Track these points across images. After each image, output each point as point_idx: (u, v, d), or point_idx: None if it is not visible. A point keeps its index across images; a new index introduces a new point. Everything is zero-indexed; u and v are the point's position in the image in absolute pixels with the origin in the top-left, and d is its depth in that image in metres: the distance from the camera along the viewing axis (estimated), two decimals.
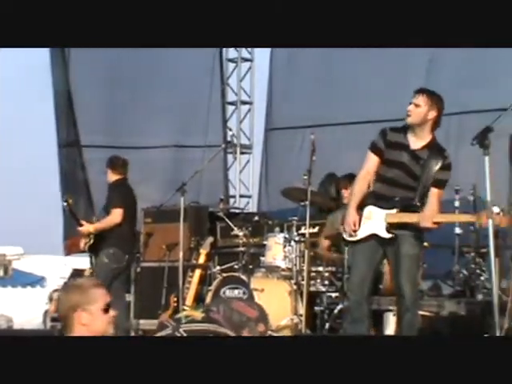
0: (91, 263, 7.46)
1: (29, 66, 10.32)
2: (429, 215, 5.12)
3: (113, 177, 7.49)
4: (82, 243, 7.40)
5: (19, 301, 12.53)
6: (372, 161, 5.36)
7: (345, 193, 7.16)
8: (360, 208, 5.34)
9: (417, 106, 5.20)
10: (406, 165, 5.24)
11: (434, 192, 5.21)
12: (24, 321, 11.04)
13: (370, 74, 9.93)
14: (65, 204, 7.47)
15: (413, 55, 9.26)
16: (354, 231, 5.28)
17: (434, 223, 5.12)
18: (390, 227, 5.21)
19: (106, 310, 3.36)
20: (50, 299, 10.08)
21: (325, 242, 7.17)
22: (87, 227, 7.36)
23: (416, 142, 5.26)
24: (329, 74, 10.35)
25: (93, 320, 3.31)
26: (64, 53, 10.53)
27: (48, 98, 10.71)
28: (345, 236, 5.41)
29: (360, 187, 5.39)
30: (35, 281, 15.05)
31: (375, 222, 5.26)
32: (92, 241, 7.29)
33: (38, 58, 10.26)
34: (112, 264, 7.19)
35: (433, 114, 5.21)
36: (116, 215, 7.22)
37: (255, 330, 3.82)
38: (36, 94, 10.39)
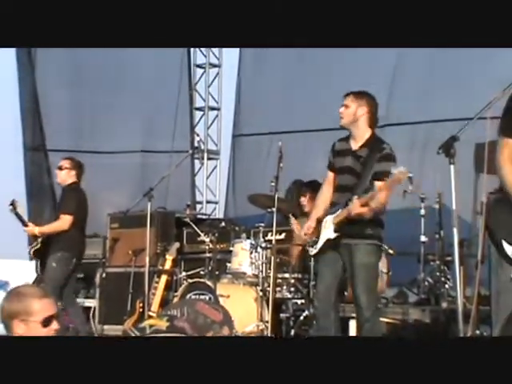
0: (36, 269, 7.31)
1: None
2: (355, 202, 5.11)
3: (68, 179, 7.26)
4: (28, 248, 7.24)
5: None
6: (329, 176, 5.55)
7: (303, 201, 7.24)
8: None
9: (346, 106, 5.33)
10: (351, 167, 5.33)
11: (376, 185, 5.19)
12: None
13: (336, 82, 9.98)
14: (10, 207, 7.25)
15: (378, 62, 9.35)
16: (305, 234, 5.48)
17: (363, 206, 5.09)
18: (337, 227, 5.26)
19: (45, 323, 3.20)
20: None
21: (295, 249, 7.18)
22: (32, 228, 7.14)
23: (356, 143, 5.36)
24: (296, 81, 10.39)
25: (29, 332, 3.17)
26: (30, 54, 10.47)
27: (14, 100, 10.63)
28: (308, 250, 5.54)
29: (321, 200, 5.57)
30: None
31: (327, 228, 5.36)
32: (39, 245, 7.12)
33: (4, 59, 10.15)
34: (62, 267, 7.03)
35: (363, 110, 5.29)
36: (65, 222, 7.04)
37: (220, 334, 3.80)
38: (1, 95, 10.29)
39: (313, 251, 5.47)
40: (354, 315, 6.54)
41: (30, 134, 10.59)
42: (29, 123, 10.57)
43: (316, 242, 5.42)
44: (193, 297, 6.92)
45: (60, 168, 7.27)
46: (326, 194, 5.54)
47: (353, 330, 6.61)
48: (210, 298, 6.84)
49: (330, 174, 5.53)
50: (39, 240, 7.12)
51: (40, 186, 10.58)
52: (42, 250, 7.13)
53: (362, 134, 5.33)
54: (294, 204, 7.73)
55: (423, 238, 7.33)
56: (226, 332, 3.51)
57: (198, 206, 11.12)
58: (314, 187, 7.16)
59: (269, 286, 6.59)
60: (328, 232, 5.34)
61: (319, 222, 5.43)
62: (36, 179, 10.62)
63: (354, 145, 5.36)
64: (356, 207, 5.10)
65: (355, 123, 5.31)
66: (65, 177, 7.24)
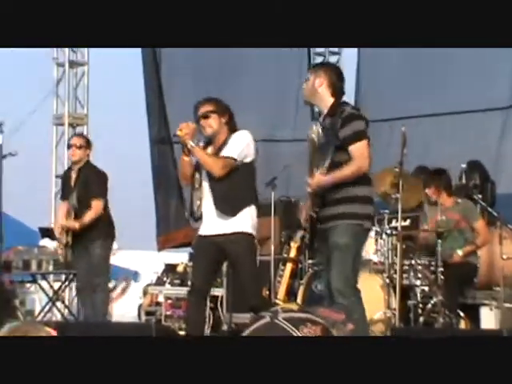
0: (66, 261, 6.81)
1: (121, 63, 10.55)
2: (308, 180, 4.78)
3: (84, 158, 6.82)
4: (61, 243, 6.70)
5: (114, 295, 12.82)
6: None
7: (430, 192, 7.08)
8: None
9: (306, 80, 5.00)
10: (320, 143, 4.87)
11: (349, 150, 4.76)
12: (120, 314, 11.30)
13: (457, 64, 9.83)
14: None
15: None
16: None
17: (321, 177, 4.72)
18: (314, 210, 4.86)
19: None
20: (144, 293, 10.25)
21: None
22: (73, 224, 6.62)
23: (322, 116, 4.94)
24: (416, 65, 10.27)
25: None
26: (155, 50, 10.70)
27: (140, 94, 10.93)
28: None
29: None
30: (130, 275, 15.32)
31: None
32: (70, 238, 6.65)
33: (130, 55, 10.48)
34: (107, 253, 6.78)
35: (320, 81, 4.90)
36: (99, 207, 6.68)
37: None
38: (128, 90, 10.62)
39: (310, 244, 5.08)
40: (485, 302, 6.45)
41: (156, 127, 10.83)
42: (154, 117, 10.82)
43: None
44: (319, 285, 6.95)
45: (78, 146, 6.78)
46: None
47: (484, 318, 6.49)
48: None
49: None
50: (70, 233, 6.68)
51: (167, 178, 10.82)
52: (72, 243, 6.73)
53: (325, 105, 4.91)
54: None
55: None
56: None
57: None
58: (438, 177, 7.06)
59: (395, 273, 6.55)
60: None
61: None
62: (162, 172, 10.86)
63: (321, 119, 4.94)
64: (313, 181, 4.74)
65: (315, 95, 4.93)
66: (82, 155, 6.81)
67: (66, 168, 10.08)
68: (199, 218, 5.25)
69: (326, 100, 4.93)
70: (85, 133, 10.43)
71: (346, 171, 4.76)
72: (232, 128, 5.29)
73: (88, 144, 6.92)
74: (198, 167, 5.26)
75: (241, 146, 5.18)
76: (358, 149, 4.77)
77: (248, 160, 5.21)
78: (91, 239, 6.69)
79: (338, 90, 4.97)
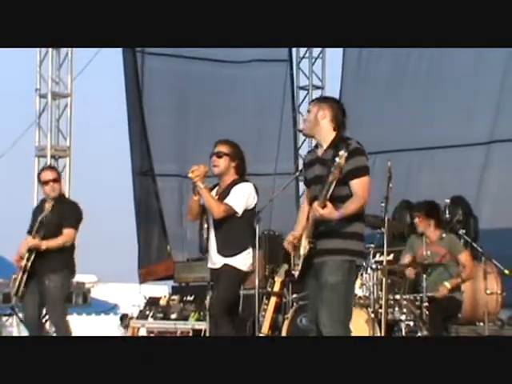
0: (18, 289, 6.43)
1: (104, 94, 10.56)
2: (314, 206, 4.63)
3: (58, 190, 6.68)
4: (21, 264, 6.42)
5: (94, 328, 12.71)
6: (306, 192, 5.06)
7: (417, 221, 7.10)
8: None
9: (308, 112, 4.95)
10: (318, 175, 4.81)
11: (351, 184, 4.69)
12: None
13: (438, 101, 9.95)
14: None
15: (483, 78, 9.29)
16: (283, 248, 5.05)
17: (323, 208, 4.57)
18: (309, 241, 4.74)
19: None
20: (126, 326, 10.16)
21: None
22: (39, 243, 6.37)
23: (322, 149, 4.87)
24: (397, 100, 10.38)
25: None
26: (138, 81, 10.73)
27: (123, 127, 10.94)
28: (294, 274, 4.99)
29: (299, 218, 4.99)
30: (109, 308, 15.22)
31: (302, 246, 4.83)
32: (30, 263, 6.37)
33: (113, 86, 10.51)
34: (65, 287, 6.59)
35: (324, 114, 4.84)
36: (70, 237, 6.50)
37: None
38: (111, 122, 10.63)
39: (296, 274, 4.90)
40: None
41: (139, 158, 10.84)
42: (137, 148, 10.82)
43: (298, 265, 4.86)
44: (303, 319, 6.93)
45: (55, 181, 6.64)
46: (303, 212, 4.95)
47: None
48: None
49: (308, 190, 5.02)
50: (32, 256, 6.42)
51: (149, 211, 10.79)
52: (32, 267, 6.45)
53: (326, 138, 4.83)
54: (403, 224, 7.68)
55: None
56: None
57: None
58: (426, 207, 7.08)
59: (380, 308, 6.54)
60: (302, 250, 4.82)
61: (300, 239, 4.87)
62: (144, 204, 10.83)
63: (321, 151, 4.87)
64: (315, 211, 4.60)
65: (317, 128, 4.86)
66: (58, 189, 6.70)
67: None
68: (206, 252, 5.80)
69: (327, 133, 4.86)
70: (67, 165, 10.38)
71: (352, 206, 4.69)
72: (240, 172, 5.71)
73: (59, 176, 6.83)
74: (205, 208, 5.70)
75: (243, 198, 5.62)
76: (361, 184, 4.71)
77: (249, 208, 5.64)
78: (52, 269, 6.45)
79: (340, 124, 4.88)
